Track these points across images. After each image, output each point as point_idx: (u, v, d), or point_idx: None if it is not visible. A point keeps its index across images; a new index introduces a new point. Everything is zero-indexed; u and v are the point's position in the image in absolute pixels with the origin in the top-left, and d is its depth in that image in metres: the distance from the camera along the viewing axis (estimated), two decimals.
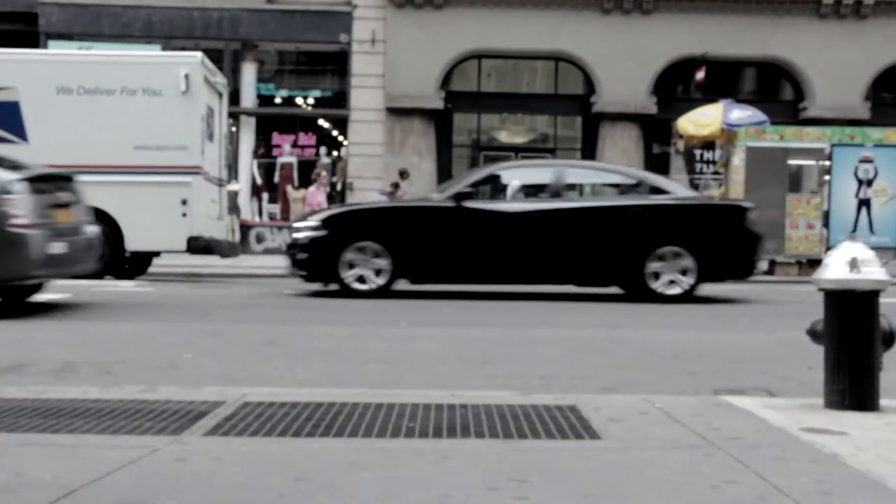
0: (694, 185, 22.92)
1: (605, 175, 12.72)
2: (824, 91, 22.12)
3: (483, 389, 5.01)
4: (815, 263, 14.63)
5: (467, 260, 11.15)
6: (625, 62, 21.93)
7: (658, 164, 23.24)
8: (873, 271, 4.11)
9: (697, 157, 22.98)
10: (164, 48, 21.02)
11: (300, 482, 3.00)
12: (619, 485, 3.00)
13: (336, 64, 23.22)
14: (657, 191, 11.51)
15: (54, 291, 10.76)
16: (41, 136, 13.79)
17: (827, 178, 16.52)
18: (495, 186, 11.79)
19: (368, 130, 22.44)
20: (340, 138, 23.71)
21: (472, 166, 22.97)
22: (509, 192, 11.46)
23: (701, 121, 18.09)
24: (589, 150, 22.78)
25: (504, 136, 23.92)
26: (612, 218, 11.19)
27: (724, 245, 11.25)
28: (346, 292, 10.89)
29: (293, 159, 22.95)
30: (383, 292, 10.87)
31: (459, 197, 11.13)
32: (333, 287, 11.15)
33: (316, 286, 11.76)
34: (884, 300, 4.18)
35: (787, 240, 16.41)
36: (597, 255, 11.12)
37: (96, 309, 9.67)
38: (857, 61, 22.05)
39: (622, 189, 11.83)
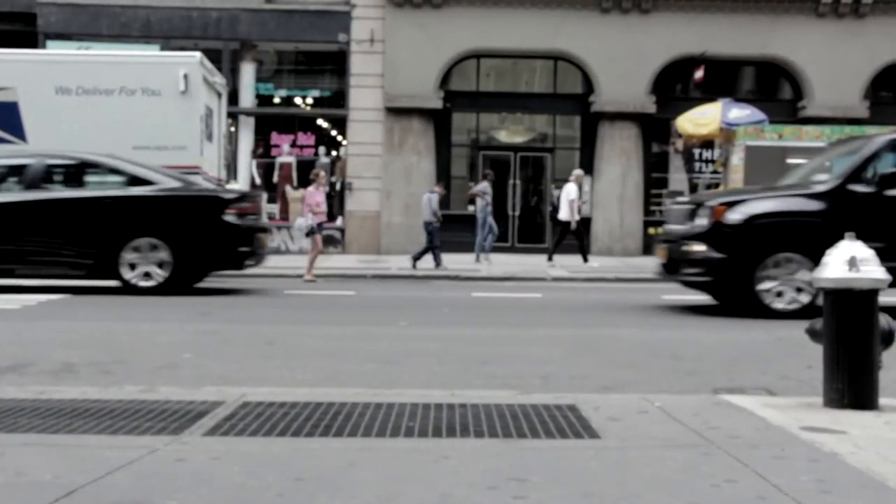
0: (693, 185, 22.92)
1: (87, 166, 11.91)
2: (823, 90, 22.09)
3: (482, 389, 5.01)
4: None
5: None
6: (624, 61, 21.90)
7: (657, 163, 23.22)
8: (872, 270, 4.11)
9: (696, 157, 22.94)
10: (163, 48, 20.98)
11: (300, 482, 3.00)
12: (618, 484, 3.00)
13: (335, 64, 23.19)
14: (142, 181, 11.24)
15: (54, 292, 10.76)
16: (40, 137, 13.79)
17: None
18: None
19: (367, 130, 22.41)
20: (339, 138, 23.68)
21: (471, 166, 22.96)
22: None
23: (700, 120, 18.04)
24: (588, 150, 22.75)
25: (503, 136, 23.89)
26: (83, 209, 10.98)
27: (202, 237, 11.03)
28: None
29: (292, 159, 22.92)
30: None
31: None
32: None
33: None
34: (882, 300, 4.19)
35: None
36: (70, 245, 10.89)
37: (96, 309, 9.66)
38: (855, 60, 22.03)
39: (105, 180, 11.49)
